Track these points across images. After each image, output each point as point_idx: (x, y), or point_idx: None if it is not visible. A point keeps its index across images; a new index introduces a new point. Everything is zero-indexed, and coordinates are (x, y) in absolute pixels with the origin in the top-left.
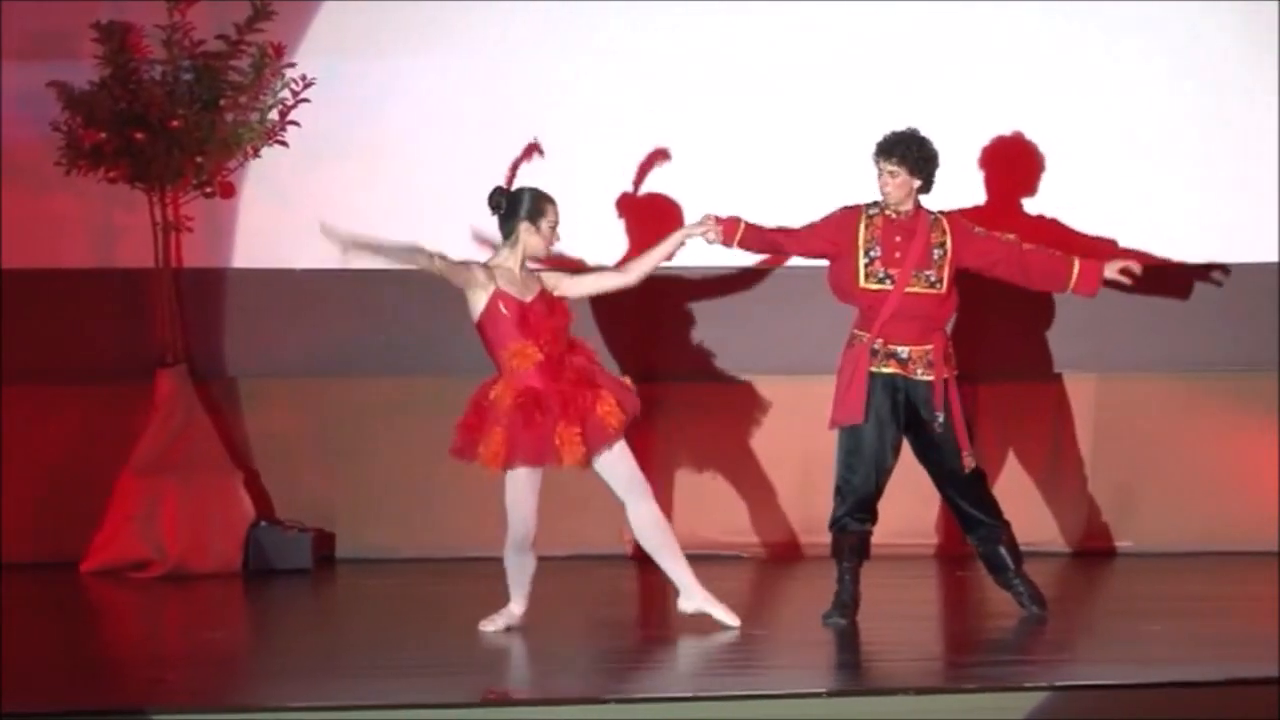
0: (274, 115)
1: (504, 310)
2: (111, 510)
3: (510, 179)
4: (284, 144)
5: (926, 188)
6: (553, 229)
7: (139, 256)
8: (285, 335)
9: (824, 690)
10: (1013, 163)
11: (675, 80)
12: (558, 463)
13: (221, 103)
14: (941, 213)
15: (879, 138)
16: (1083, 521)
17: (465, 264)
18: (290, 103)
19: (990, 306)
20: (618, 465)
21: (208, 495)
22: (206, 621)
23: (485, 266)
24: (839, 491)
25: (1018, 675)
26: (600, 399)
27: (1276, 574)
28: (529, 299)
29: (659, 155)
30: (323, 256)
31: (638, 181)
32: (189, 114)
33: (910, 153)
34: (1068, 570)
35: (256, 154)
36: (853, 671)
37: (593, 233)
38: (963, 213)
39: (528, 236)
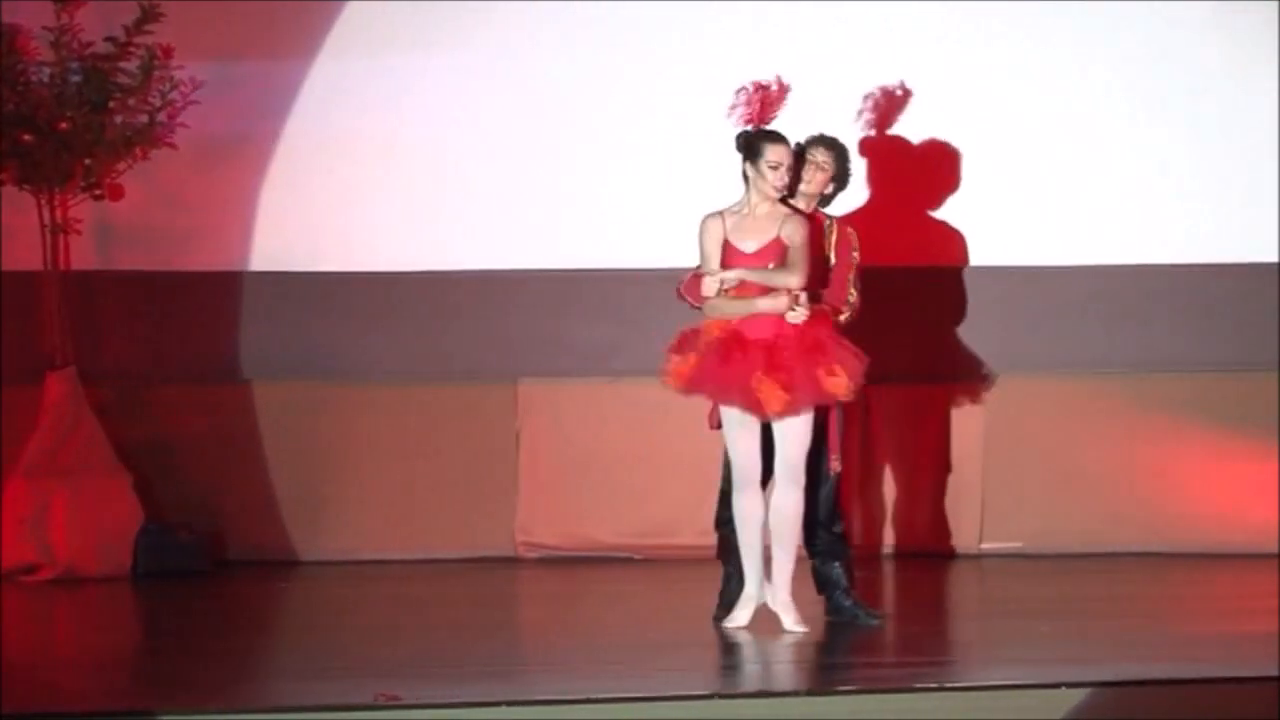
0: (163, 117)
1: (729, 260)
2: (1, 514)
3: (756, 116)
4: (173, 146)
5: (831, 199)
6: (774, 169)
7: (27, 259)
8: (175, 338)
9: (711, 693)
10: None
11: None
12: (752, 407)
13: (110, 105)
14: (835, 220)
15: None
16: (976, 523)
17: (702, 228)
18: (180, 104)
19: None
20: (797, 439)
21: (97, 498)
22: (97, 625)
23: (721, 215)
24: (722, 492)
25: (906, 677)
26: (828, 361)
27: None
28: (752, 248)
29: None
30: (211, 259)
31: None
32: (77, 116)
33: (844, 157)
34: (957, 572)
35: (145, 156)
36: (737, 673)
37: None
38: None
39: (754, 177)
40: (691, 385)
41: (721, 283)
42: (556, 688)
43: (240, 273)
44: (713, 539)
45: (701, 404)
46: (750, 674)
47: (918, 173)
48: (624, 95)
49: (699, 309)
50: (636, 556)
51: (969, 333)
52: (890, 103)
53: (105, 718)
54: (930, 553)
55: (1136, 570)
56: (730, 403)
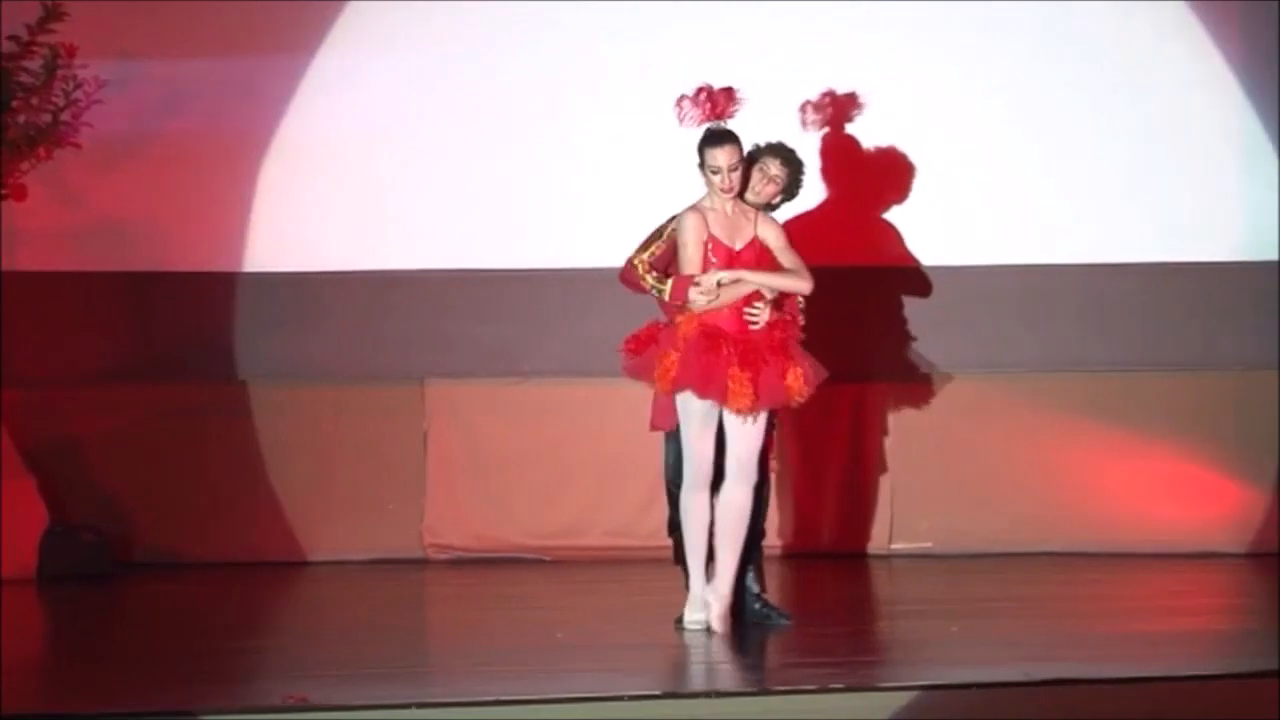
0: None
1: (712, 257)
2: None
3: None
4: (77, 145)
5: (777, 206)
6: (716, 173)
7: None
8: (78, 339)
9: (619, 694)
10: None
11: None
12: (722, 400)
13: (13, 104)
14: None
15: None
16: (886, 523)
17: (682, 223)
18: (84, 104)
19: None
20: (749, 437)
21: (1, 501)
22: (4, 628)
23: (699, 211)
24: (671, 495)
25: (818, 677)
26: (790, 363)
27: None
28: (739, 246)
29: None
30: (108, 258)
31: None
32: None
33: (796, 167)
34: (868, 572)
35: (49, 156)
36: (645, 675)
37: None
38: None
39: (706, 182)
40: (678, 384)
41: (718, 283)
42: (466, 689)
43: (145, 273)
44: (618, 541)
45: (612, 405)
46: (658, 675)
47: (855, 171)
48: (533, 95)
49: (680, 306)
50: (546, 558)
51: (887, 333)
52: (844, 103)
53: None
54: (841, 553)
55: (1047, 570)
56: (709, 396)
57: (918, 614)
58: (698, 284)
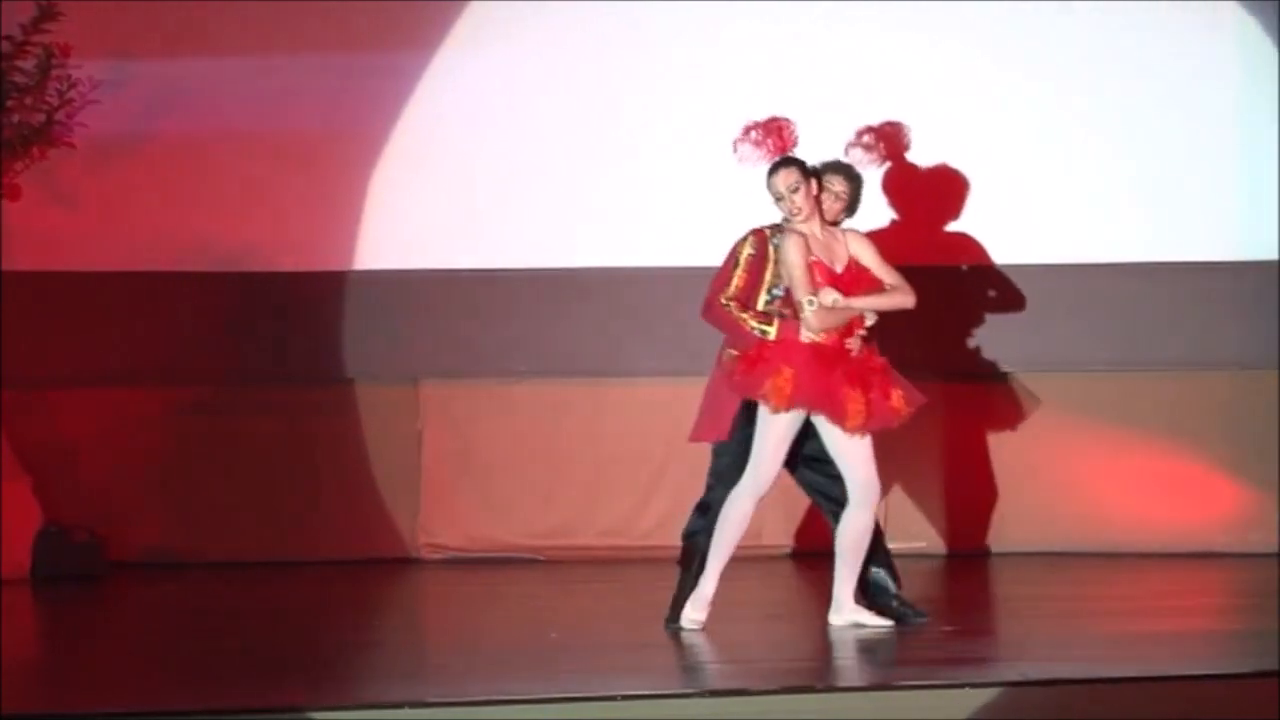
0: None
1: (818, 277)
2: None
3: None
4: (71, 145)
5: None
6: (779, 199)
7: None
8: (73, 340)
9: (615, 694)
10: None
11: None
12: (839, 418)
13: (7, 104)
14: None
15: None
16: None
17: (785, 247)
18: (79, 104)
19: None
20: (865, 460)
21: None
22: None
23: (799, 233)
24: (704, 504)
25: (812, 676)
26: (893, 385)
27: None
28: (839, 268)
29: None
30: (110, 260)
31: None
32: None
33: (857, 182)
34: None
35: (43, 156)
36: (642, 674)
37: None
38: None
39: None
40: (794, 401)
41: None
42: (460, 689)
43: (141, 273)
44: (613, 541)
45: (607, 405)
46: (653, 675)
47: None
48: (534, 95)
49: (763, 334)
50: (540, 558)
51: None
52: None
53: None
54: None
55: (1041, 570)
56: (824, 411)
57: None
58: (812, 302)
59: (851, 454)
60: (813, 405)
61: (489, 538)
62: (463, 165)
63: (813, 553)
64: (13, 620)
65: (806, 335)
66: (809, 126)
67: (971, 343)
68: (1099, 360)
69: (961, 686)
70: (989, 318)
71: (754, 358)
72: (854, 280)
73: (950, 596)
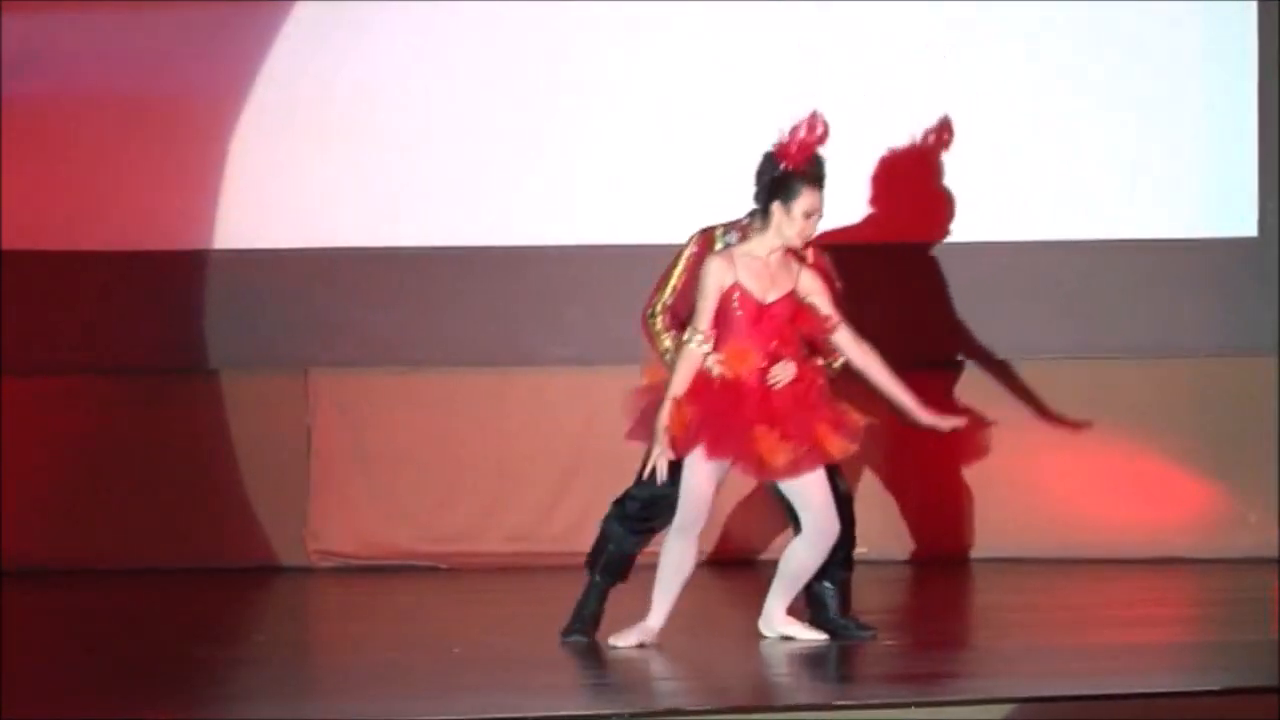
0: None
1: (737, 310)
2: None
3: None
4: None
5: None
6: (809, 216)
7: None
8: None
9: (566, 713)
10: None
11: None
12: (752, 465)
13: None
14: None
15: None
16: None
17: (706, 273)
18: None
19: None
20: (815, 492)
21: None
22: None
23: (729, 255)
24: (621, 507)
25: (744, 694)
26: (823, 421)
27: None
28: (771, 299)
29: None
30: None
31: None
32: None
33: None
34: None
35: None
36: (543, 693)
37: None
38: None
39: (780, 220)
40: (686, 443)
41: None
42: (351, 709)
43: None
44: (520, 546)
45: (513, 396)
46: (563, 693)
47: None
48: (422, 55)
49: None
50: (440, 565)
51: None
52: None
53: None
54: (764, 560)
55: (992, 577)
56: (724, 458)
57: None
58: (700, 342)
59: (795, 491)
60: (713, 451)
61: (384, 543)
62: (347, 132)
63: (739, 561)
64: None
65: (715, 366)
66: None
67: (908, 329)
68: (1059, 346)
69: (906, 705)
70: (921, 301)
71: (652, 392)
72: (787, 315)
73: (900, 607)
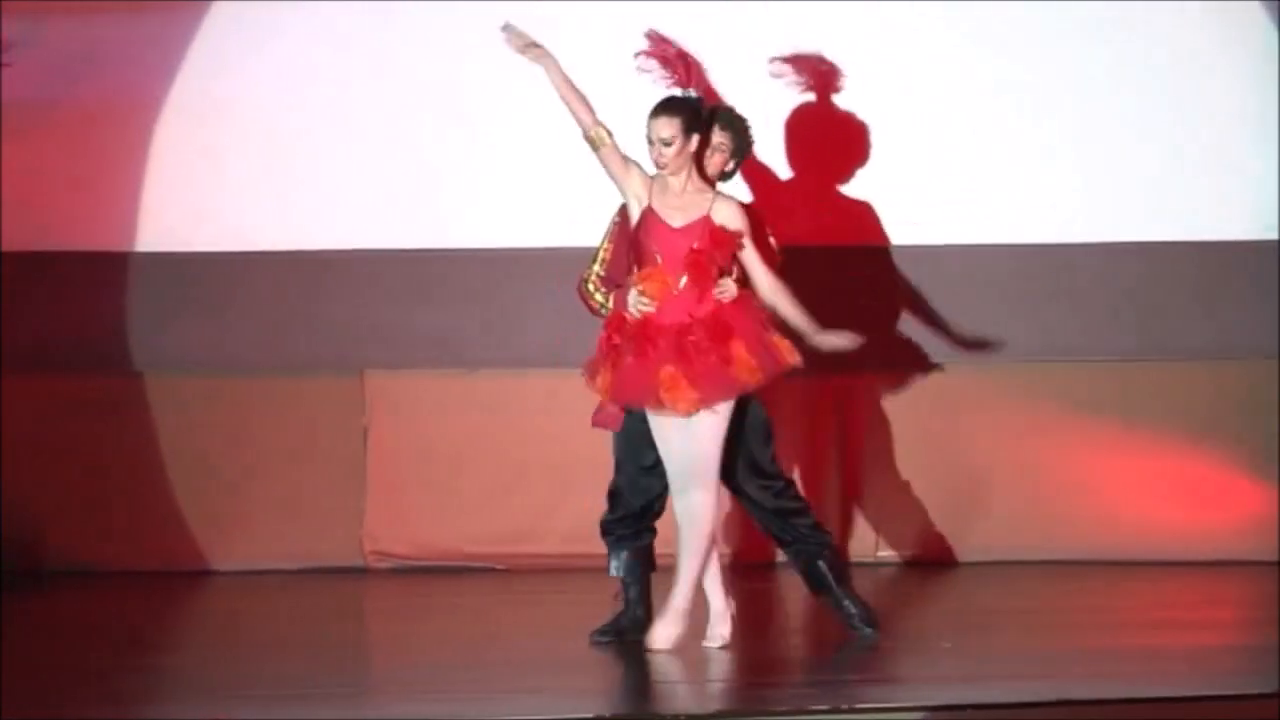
0: None
1: (643, 231)
2: None
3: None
4: None
5: (731, 173)
6: (650, 144)
7: None
8: None
9: (620, 714)
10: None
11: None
12: (658, 406)
13: None
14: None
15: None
16: (870, 529)
17: (627, 163)
18: None
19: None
20: (702, 438)
21: None
22: None
23: (645, 175)
24: (610, 494)
25: (853, 696)
26: (731, 346)
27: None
28: (678, 223)
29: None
30: (19, 238)
31: None
32: None
33: (739, 128)
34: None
35: None
36: (601, 695)
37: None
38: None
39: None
40: (616, 394)
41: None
42: (406, 711)
43: (48, 253)
44: (576, 548)
45: (569, 398)
46: (618, 695)
47: (831, 145)
48: (459, 66)
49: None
50: (496, 566)
51: (869, 320)
52: (826, 72)
53: None
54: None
55: (1045, 580)
56: (643, 404)
57: (905, 628)
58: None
59: (692, 423)
60: (625, 400)
61: (441, 544)
62: (396, 134)
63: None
64: None
65: (634, 304)
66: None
67: (962, 330)
68: (1102, 349)
69: (962, 708)
70: (975, 303)
71: (597, 352)
72: (692, 240)
73: (948, 610)
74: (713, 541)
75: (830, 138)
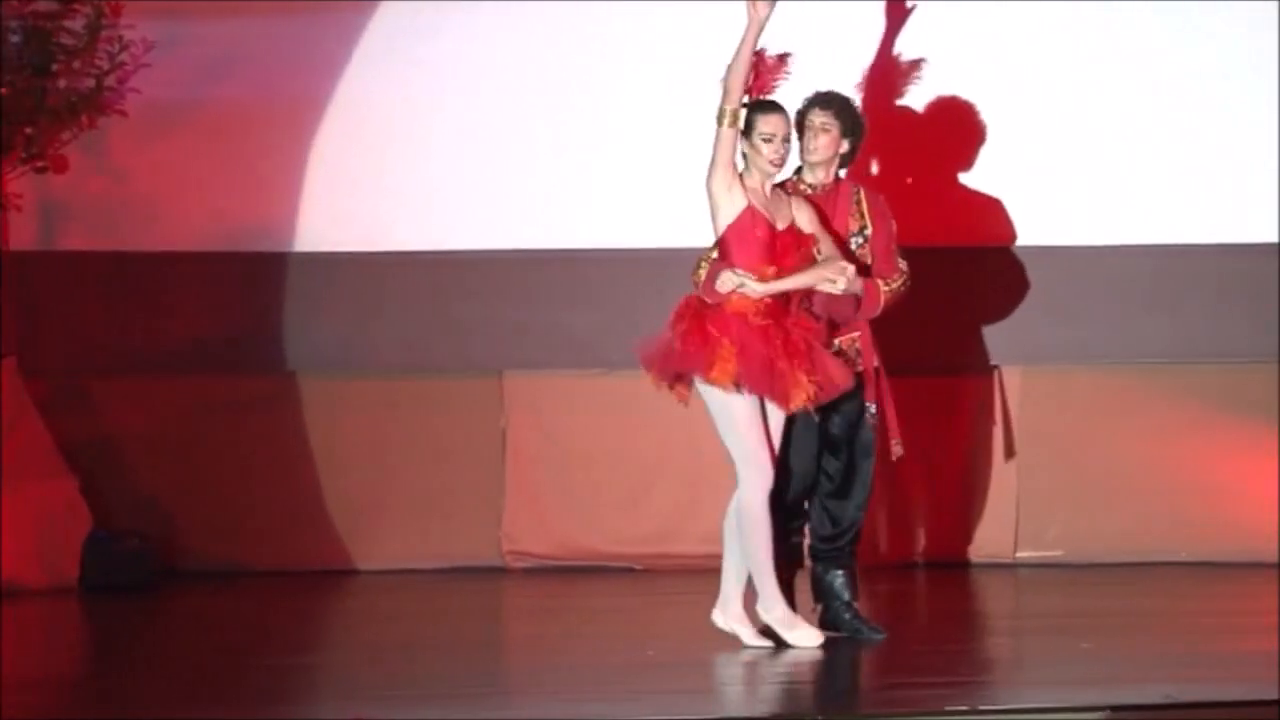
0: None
1: (756, 231)
2: None
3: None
4: (123, 113)
5: (850, 157)
6: (768, 141)
7: None
8: (125, 326)
9: (714, 717)
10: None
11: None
12: (783, 401)
13: (54, 68)
14: (861, 186)
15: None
16: (1009, 530)
17: (733, 163)
18: (130, 68)
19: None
20: (717, 425)
21: (40, 504)
22: (41, 642)
23: (742, 177)
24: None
25: (936, 699)
26: (827, 355)
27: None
28: (781, 227)
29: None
30: (166, 239)
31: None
32: (17, 80)
33: (846, 110)
34: (995, 583)
35: (92, 125)
36: (740, 695)
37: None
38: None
39: (750, 154)
40: (741, 379)
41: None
42: (545, 711)
43: (200, 254)
44: (714, 548)
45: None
46: (755, 695)
47: (928, 146)
48: (612, 72)
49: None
50: (635, 567)
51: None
52: (897, 72)
53: None
54: (956, 563)
55: (1187, 581)
56: (762, 393)
57: (1045, 629)
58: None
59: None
60: (755, 387)
61: (578, 544)
62: (530, 135)
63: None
64: (58, 633)
65: (730, 284)
66: None
67: (1101, 331)
68: (1242, 350)
69: (1100, 709)
70: (1113, 303)
71: (692, 333)
72: (793, 244)
73: (1089, 611)
74: (762, 528)
75: (952, 136)
